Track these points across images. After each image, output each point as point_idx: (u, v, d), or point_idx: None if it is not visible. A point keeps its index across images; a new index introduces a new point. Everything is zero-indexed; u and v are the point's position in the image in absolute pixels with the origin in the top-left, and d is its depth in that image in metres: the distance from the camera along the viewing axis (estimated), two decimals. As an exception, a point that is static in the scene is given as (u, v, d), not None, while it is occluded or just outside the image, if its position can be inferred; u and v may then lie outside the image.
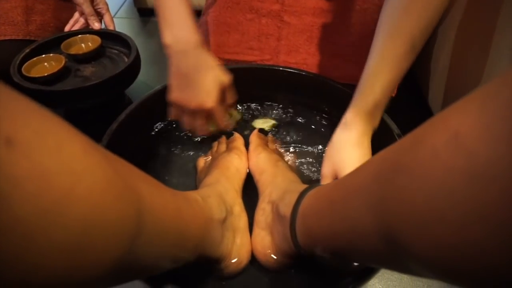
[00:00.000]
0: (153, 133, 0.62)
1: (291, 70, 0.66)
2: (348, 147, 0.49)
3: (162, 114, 0.62)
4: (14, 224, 0.14)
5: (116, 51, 0.83)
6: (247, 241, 0.46)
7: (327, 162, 0.51)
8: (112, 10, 1.32)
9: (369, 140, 0.50)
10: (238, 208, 0.47)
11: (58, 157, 0.16)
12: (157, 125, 0.63)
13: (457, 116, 0.19)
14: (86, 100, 0.69)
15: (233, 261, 0.43)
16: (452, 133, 0.18)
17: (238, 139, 0.59)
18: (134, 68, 0.76)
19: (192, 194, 0.42)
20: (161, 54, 1.07)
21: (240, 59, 0.74)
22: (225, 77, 0.54)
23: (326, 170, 0.50)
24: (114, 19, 1.27)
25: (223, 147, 0.58)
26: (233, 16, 0.74)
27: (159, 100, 0.60)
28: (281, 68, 0.66)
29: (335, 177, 0.49)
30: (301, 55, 0.73)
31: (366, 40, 0.69)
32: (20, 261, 0.15)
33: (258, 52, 0.74)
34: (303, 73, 0.64)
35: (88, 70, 0.78)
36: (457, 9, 0.72)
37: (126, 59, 0.78)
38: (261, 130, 0.64)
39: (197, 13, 0.82)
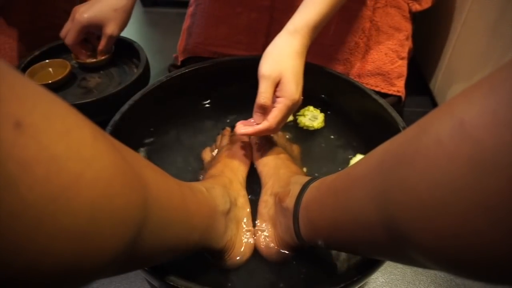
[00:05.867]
0: (156, 124, 0.62)
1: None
2: (294, 54, 0.49)
3: (166, 105, 0.62)
4: (23, 209, 0.14)
5: (128, 61, 0.80)
6: (250, 233, 0.46)
7: (271, 63, 0.48)
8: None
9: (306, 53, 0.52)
10: (242, 200, 0.47)
11: (67, 141, 0.16)
12: (160, 116, 0.63)
13: (462, 103, 0.19)
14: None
15: (236, 252, 0.43)
16: (457, 121, 0.18)
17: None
18: (138, 85, 0.69)
19: (197, 185, 0.42)
20: (164, 44, 1.07)
21: (228, 53, 0.73)
22: None
23: (270, 71, 0.47)
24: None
25: (226, 139, 0.57)
26: (221, 9, 0.73)
27: (163, 90, 0.59)
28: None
29: (278, 81, 0.47)
30: None
31: (348, 38, 0.69)
32: (29, 246, 0.15)
33: (246, 47, 0.73)
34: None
35: (93, 80, 0.74)
36: (463, 4, 0.71)
37: (135, 70, 0.75)
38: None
39: (184, 4, 0.81)
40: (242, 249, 0.44)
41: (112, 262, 0.20)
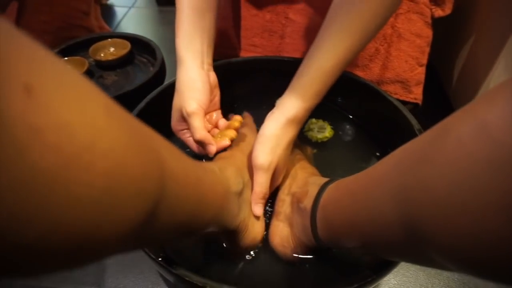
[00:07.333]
0: (167, 123, 0.63)
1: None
2: (289, 144, 0.48)
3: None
4: (34, 177, 0.13)
5: (144, 60, 0.81)
6: (262, 216, 0.45)
7: (269, 154, 0.45)
8: (130, 0, 1.33)
9: None
10: None
11: (80, 110, 0.15)
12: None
13: (484, 106, 0.19)
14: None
15: (249, 234, 0.43)
16: (479, 122, 0.18)
17: (247, 117, 0.58)
18: (154, 83, 0.70)
19: (209, 164, 0.41)
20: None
21: (242, 56, 0.72)
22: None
23: (269, 163, 0.45)
24: (133, 9, 1.29)
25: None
26: (236, 11, 0.72)
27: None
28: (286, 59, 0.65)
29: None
30: (304, 55, 0.70)
31: (369, 44, 0.66)
32: (40, 215, 0.14)
33: (261, 49, 0.73)
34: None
35: (110, 78, 0.76)
36: (481, 9, 0.71)
37: (151, 69, 0.76)
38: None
39: None
40: (254, 232, 0.44)
41: (127, 237, 0.19)
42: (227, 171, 0.41)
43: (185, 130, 0.53)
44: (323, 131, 0.63)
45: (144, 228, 0.21)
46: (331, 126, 0.64)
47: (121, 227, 0.18)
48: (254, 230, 0.44)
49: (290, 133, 0.47)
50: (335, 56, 0.44)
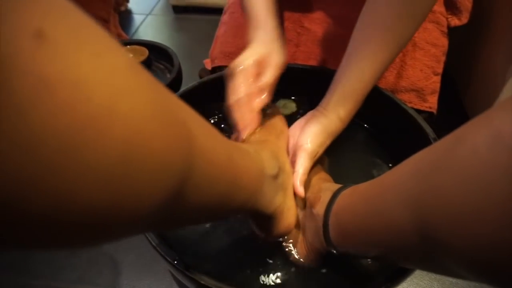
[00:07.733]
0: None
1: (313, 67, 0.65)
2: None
3: (198, 109, 0.63)
4: (41, 139, 0.12)
5: (161, 66, 0.83)
6: (295, 203, 0.45)
7: (319, 142, 0.48)
8: (148, 8, 1.36)
9: None
10: (289, 166, 0.46)
11: (98, 66, 0.14)
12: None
13: (500, 115, 0.19)
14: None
15: (284, 221, 0.42)
16: (494, 131, 0.18)
17: (274, 107, 0.58)
18: (171, 90, 0.70)
19: (243, 145, 0.39)
20: (195, 51, 1.10)
21: None
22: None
23: (316, 151, 0.48)
24: (150, 17, 1.32)
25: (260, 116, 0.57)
26: None
27: (193, 96, 0.61)
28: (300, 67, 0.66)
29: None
30: (319, 63, 0.71)
31: None
32: (47, 183, 0.12)
33: None
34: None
35: None
36: (497, 18, 0.70)
37: (168, 75, 0.77)
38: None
39: (214, 11, 0.82)
40: (289, 218, 0.43)
41: (149, 216, 0.17)
42: (263, 153, 0.39)
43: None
44: None
45: (168, 208, 0.19)
46: None
47: (141, 204, 0.16)
48: (289, 217, 0.43)
49: (329, 141, 0.50)
50: (375, 69, 0.47)
